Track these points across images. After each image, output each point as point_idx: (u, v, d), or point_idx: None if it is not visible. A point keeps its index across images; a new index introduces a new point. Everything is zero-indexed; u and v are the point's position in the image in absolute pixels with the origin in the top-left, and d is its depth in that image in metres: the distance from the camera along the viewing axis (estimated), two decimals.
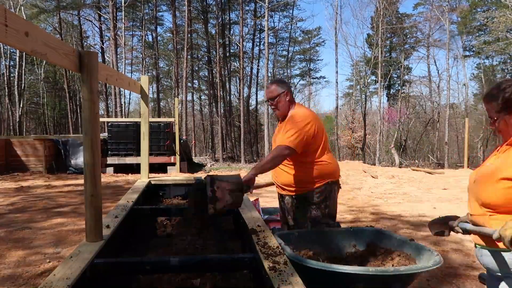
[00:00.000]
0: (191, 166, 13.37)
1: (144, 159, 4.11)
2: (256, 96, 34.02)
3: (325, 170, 2.66)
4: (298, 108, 2.75)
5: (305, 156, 2.62)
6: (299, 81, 38.17)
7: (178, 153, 11.89)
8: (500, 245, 1.52)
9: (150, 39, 31.71)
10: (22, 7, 24.23)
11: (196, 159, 17.27)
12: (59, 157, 11.59)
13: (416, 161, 24.82)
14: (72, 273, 1.62)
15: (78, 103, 30.75)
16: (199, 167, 14.67)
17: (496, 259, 1.61)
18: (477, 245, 1.72)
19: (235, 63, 31.20)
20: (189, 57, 25.77)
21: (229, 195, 2.32)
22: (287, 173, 2.70)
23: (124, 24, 24.69)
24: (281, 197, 2.87)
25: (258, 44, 31.90)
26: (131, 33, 30.50)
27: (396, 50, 33.19)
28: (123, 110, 27.51)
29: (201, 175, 10.80)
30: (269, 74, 27.31)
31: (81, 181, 2.30)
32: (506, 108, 1.62)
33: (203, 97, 35.46)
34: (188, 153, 14.10)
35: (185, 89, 24.74)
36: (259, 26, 30.55)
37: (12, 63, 29.74)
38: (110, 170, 11.52)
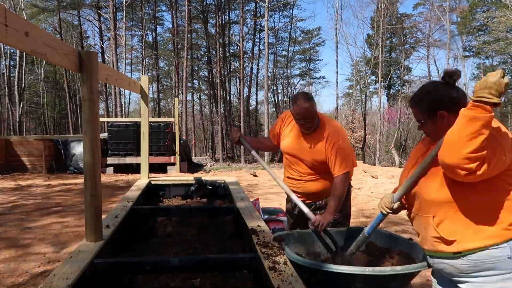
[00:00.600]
0: (191, 166, 13.37)
1: (144, 159, 4.11)
2: (256, 96, 34.03)
3: None
4: (328, 121, 2.70)
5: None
6: (299, 81, 38.14)
7: (178, 153, 11.89)
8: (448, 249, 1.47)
9: (150, 39, 31.72)
10: (23, 7, 24.23)
11: (196, 159, 17.27)
12: (59, 157, 11.58)
13: None
14: (72, 273, 1.63)
15: (78, 103, 30.72)
16: (199, 167, 14.66)
17: (450, 265, 1.52)
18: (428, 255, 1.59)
19: (235, 63, 31.20)
20: (189, 57, 25.77)
21: None
22: (312, 182, 2.69)
23: (124, 24, 24.64)
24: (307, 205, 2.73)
25: (258, 44, 31.90)
26: (131, 33, 30.46)
27: (396, 50, 33.17)
28: (123, 110, 27.49)
29: (201, 175, 10.80)
30: (269, 74, 27.30)
31: (81, 181, 2.30)
32: (432, 110, 1.52)
33: (203, 97, 35.48)
34: (188, 153, 14.10)
35: (185, 89, 24.74)
36: (259, 26, 30.55)
37: (12, 63, 29.72)
38: (110, 170, 11.52)
